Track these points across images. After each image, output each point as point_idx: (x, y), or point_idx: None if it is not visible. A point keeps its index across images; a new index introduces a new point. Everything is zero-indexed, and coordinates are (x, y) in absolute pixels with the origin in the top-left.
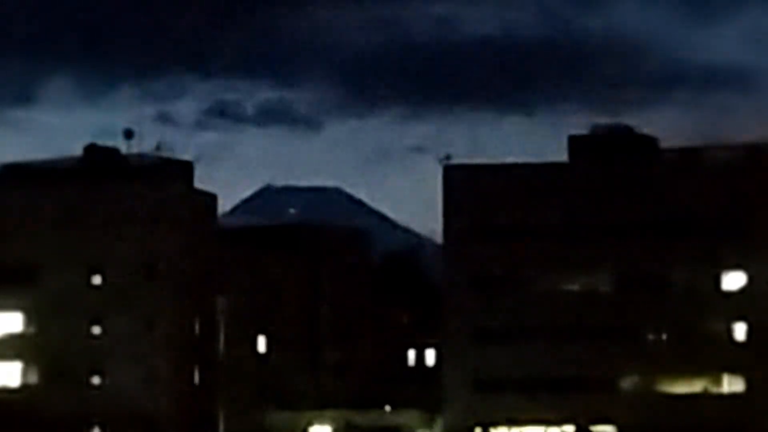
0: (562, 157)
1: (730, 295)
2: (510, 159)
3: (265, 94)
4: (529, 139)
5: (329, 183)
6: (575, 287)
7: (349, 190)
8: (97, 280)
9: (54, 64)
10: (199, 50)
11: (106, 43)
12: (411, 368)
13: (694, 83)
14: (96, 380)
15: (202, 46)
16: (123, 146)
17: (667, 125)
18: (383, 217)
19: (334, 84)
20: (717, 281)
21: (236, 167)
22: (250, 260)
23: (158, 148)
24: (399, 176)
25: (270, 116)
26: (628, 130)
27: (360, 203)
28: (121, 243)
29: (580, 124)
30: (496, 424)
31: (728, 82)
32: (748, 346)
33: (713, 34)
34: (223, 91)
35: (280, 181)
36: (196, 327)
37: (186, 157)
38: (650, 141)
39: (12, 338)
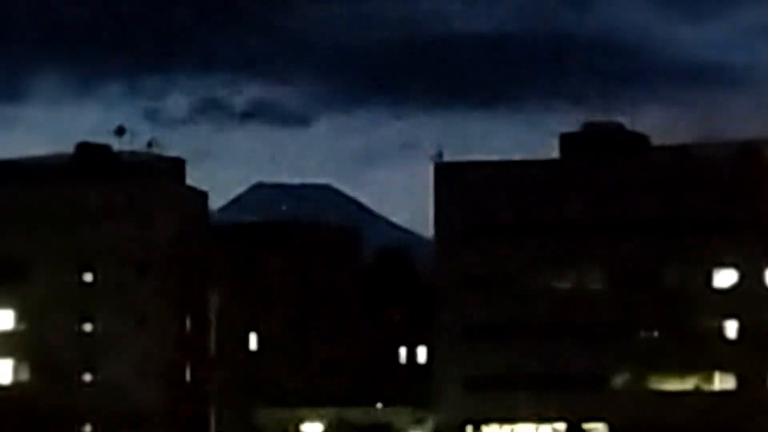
0: (554, 154)
1: (721, 292)
2: (501, 156)
3: (255, 91)
4: (521, 137)
5: (320, 180)
6: (567, 284)
7: (340, 187)
8: (88, 277)
9: (44, 61)
10: (189, 47)
11: (96, 40)
12: (402, 365)
13: (686, 81)
14: (87, 377)
15: (191, 43)
16: (114, 143)
17: (659, 123)
18: (374, 214)
19: (324, 81)
20: (708, 279)
21: (227, 164)
22: (241, 257)
23: (150, 144)
24: (390, 173)
25: (260, 113)
26: (619, 128)
27: (351, 200)
28: (113, 240)
29: (571, 121)
30: (487, 421)
31: (719, 79)
32: (739, 344)
33: (705, 32)
34: (213, 88)
35: (271, 178)
36: (188, 324)
37: (177, 154)
38: (641, 138)
39: (3, 335)
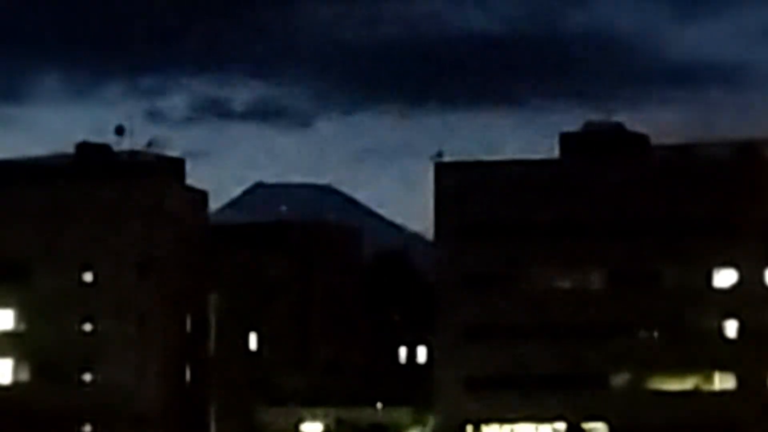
0: (554, 154)
1: (721, 292)
2: (501, 156)
3: (255, 90)
4: (521, 137)
5: (320, 180)
6: (567, 285)
7: (340, 187)
8: (88, 277)
9: (43, 60)
10: (189, 47)
11: (96, 40)
12: (402, 366)
13: (686, 81)
14: (87, 377)
15: (191, 42)
16: (114, 143)
17: (659, 123)
18: (374, 215)
19: (324, 81)
20: (708, 278)
21: (227, 164)
22: (241, 258)
23: (150, 144)
24: (390, 174)
25: (260, 113)
26: (619, 128)
27: (351, 201)
28: (113, 240)
29: (571, 121)
30: (487, 422)
31: (720, 79)
32: (739, 344)
33: (705, 32)
34: (213, 87)
35: (271, 179)
36: (188, 324)
37: (177, 154)
38: (641, 138)
39: (3, 335)
